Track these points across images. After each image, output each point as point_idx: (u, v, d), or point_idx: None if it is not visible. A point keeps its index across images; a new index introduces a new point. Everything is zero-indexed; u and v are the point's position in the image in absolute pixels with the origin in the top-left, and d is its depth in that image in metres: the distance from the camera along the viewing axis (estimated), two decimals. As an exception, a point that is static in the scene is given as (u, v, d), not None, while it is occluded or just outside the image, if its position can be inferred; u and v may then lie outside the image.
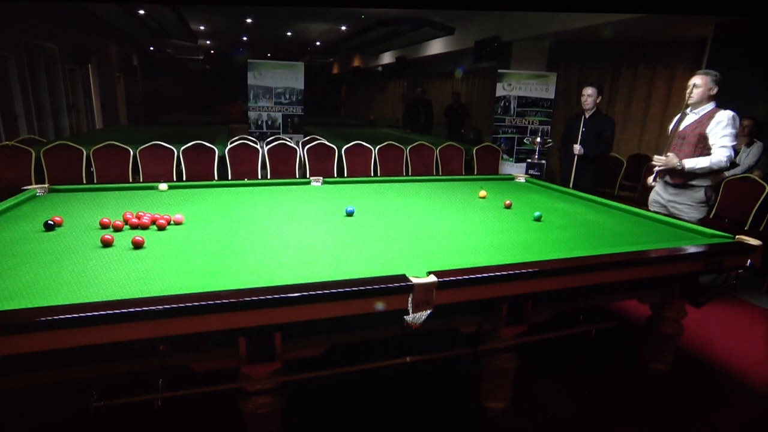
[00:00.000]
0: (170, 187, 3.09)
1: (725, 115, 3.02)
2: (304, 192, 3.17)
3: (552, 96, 6.98)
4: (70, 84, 10.24)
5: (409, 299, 1.57)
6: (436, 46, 10.70)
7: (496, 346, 1.97)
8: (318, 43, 14.63)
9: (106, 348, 1.33)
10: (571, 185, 4.27)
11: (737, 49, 5.09)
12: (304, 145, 5.39)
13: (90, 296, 1.39)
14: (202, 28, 12.64)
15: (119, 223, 2.14)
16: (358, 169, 5.23)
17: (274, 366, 1.63)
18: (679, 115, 3.36)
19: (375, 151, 5.36)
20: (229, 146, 4.99)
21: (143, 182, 4.12)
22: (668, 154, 3.18)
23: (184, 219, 2.29)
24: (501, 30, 7.74)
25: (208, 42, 16.07)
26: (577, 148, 4.42)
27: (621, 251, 2.02)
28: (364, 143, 5.38)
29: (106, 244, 1.89)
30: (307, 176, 4.58)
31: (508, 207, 2.87)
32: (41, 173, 4.40)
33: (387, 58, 13.90)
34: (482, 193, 3.19)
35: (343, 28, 11.36)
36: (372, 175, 5.16)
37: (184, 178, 4.62)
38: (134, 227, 2.16)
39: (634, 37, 6.79)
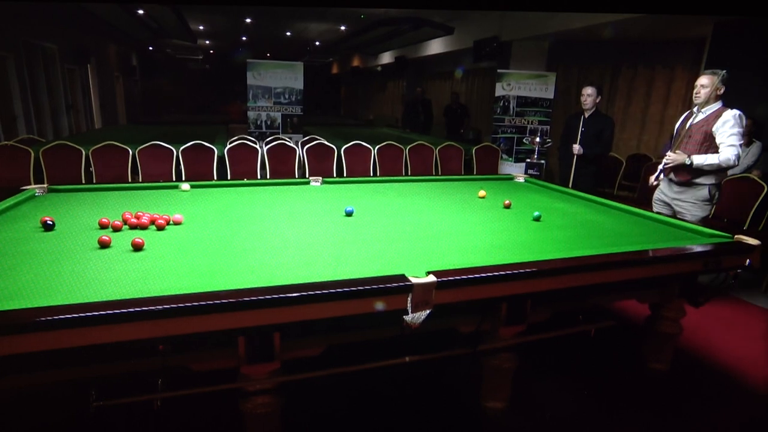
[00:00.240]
0: (192, 187, 3.11)
1: (732, 115, 3.04)
2: (303, 192, 3.16)
3: (551, 96, 6.98)
4: (69, 84, 10.23)
5: (409, 299, 1.58)
6: (435, 46, 10.70)
7: (496, 345, 1.97)
8: (317, 43, 14.62)
9: (106, 348, 1.34)
10: (570, 185, 4.27)
11: (736, 49, 5.10)
12: (303, 145, 5.39)
13: (89, 296, 1.39)
14: (201, 28, 12.64)
15: (118, 223, 2.14)
16: (357, 169, 5.23)
17: (273, 366, 1.63)
18: (686, 114, 3.37)
19: (374, 151, 5.36)
20: (228, 146, 4.99)
21: (142, 182, 4.12)
22: (677, 151, 3.20)
23: (184, 219, 2.29)
24: (500, 30, 7.74)
25: (207, 42, 16.07)
26: (576, 147, 4.42)
27: (620, 251, 2.02)
28: (363, 143, 5.38)
29: (104, 245, 1.88)
30: (307, 176, 4.59)
31: (508, 207, 2.87)
32: (40, 173, 4.39)
33: (386, 58, 13.90)
34: (481, 193, 3.19)
35: (343, 28, 11.36)
36: (371, 175, 5.16)
37: (183, 178, 4.62)
38: (133, 227, 2.16)
39: (634, 37, 6.80)
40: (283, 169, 5.02)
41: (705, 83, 3.10)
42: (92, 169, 4.56)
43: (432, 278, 1.61)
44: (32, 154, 4.42)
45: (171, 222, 2.25)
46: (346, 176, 4.91)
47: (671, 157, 3.21)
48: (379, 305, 1.55)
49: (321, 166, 5.14)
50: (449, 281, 1.63)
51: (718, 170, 3.15)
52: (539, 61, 7.69)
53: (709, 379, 2.62)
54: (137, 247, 1.86)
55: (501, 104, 7.00)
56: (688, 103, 3.37)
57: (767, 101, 4.69)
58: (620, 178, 5.90)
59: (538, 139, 5.86)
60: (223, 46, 16.58)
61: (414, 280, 1.58)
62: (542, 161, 6.01)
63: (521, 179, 3.90)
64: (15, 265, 1.66)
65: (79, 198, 2.74)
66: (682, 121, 3.36)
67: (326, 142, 5.43)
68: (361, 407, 2.25)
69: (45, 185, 2.85)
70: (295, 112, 6.97)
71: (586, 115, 4.45)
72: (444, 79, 12.35)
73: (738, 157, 3.06)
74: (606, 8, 4.56)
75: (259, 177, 4.93)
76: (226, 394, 1.68)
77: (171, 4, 8.03)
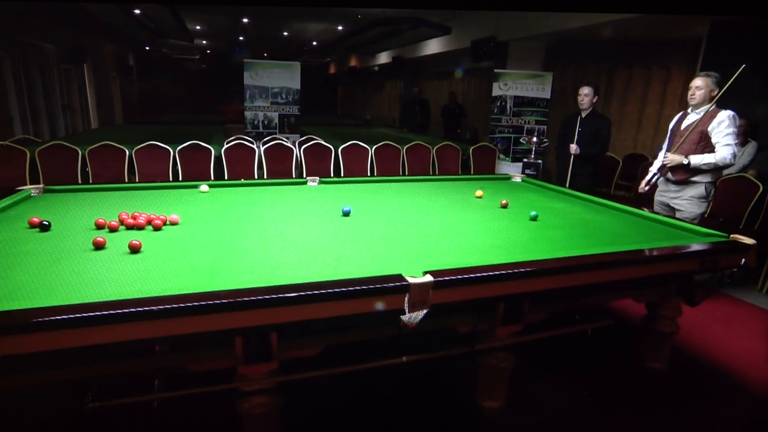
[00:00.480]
0: (211, 187, 3.11)
1: (726, 115, 3.14)
2: (300, 192, 3.16)
3: (548, 96, 6.99)
4: (66, 84, 10.19)
5: (406, 299, 1.58)
6: (432, 46, 10.70)
7: (493, 345, 1.97)
8: (314, 43, 14.61)
9: (105, 348, 1.33)
10: (567, 185, 4.28)
11: (732, 49, 5.11)
12: (300, 145, 5.39)
13: (86, 297, 1.39)
14: (198, 27, 12.60)
15: (115, 223, 2.13)
16: (354, 169, 5.23)
17: (271, 366, 1.63)
18: (679, 114, 3.44)
19: (372, 151, 5.35)
20: (225, 146, 4.98)
21: (139, 182, 4.11)
22: (674, 152, 3.29)
23: (180, 219, 2.29)
24: (497, 30, 7.75)
25: (204, 42, 16.02)
26: (573, 147, 4.43)
27: (617, 250, 2.03)
28: (360, 143, 5.38)
29: (98, 246, 1.86)
30: (304, 176, 4.58)
31: (505, 207, 2.87)
32: (36, 173, 4.37)
33: (383, 57, 13.90)
34: (479, 192, 3.19)
35: (340, 28, 11.35)
36: (369, 175, 5.16)
37: (180, 179, 4.61)
38: (130, 228, 2.15)
39: (631, 38, 6.81)
40: (280, 169, 5.01)
41: (700, 85, 3.21)
42: (89, 169, 4.54)
43: (429, 278, 1.61)
44: (28, 155, 4.40)
45: (168, 222, 2.25)
46: (344, 176, 4.91)
47: (669, 158, 3.29)
48: (377, 305, 1.55)
49: (318, 166, 5.14)
50: (446, 281, 1.63)
51: (715, 169, 3.23)
52: (536, 61, 7.70)
53: (706, 378, 2.63)
54: (134, 250, 1.84)
55: (498, 104, 7.01)
56: (684, 103, 3.40)
57: (763, 101, 4.71)
58: (617, 178, 5.92)
59: (535, 139, 5.87)
60: (220, 46, 16.54)
61: (411, 280, 1.58)
62: (539, 161, 6.02)
63: (518, 179, 3.91)
64: (11, 266, 1.65)
65: (75, 198, 2.73)
66: (677, 122, 3.45)
67: (323, 142, 5.43)
68: (359, 407, 2.24)
69: (41, 185, 2.83)
70: (292, 112, 6.96)
71: (583, 115, 4.46)
72: (441, 79, 12.35)
73: (734, 155, 3.14)
74: (604, 8, 4.57)
75: (256, 177, 4.92)
76: (224, 395, 1.68)
77: (169, 3, 8.00)
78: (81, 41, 10.67)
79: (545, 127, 7.05)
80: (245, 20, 10.99)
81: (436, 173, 5.55)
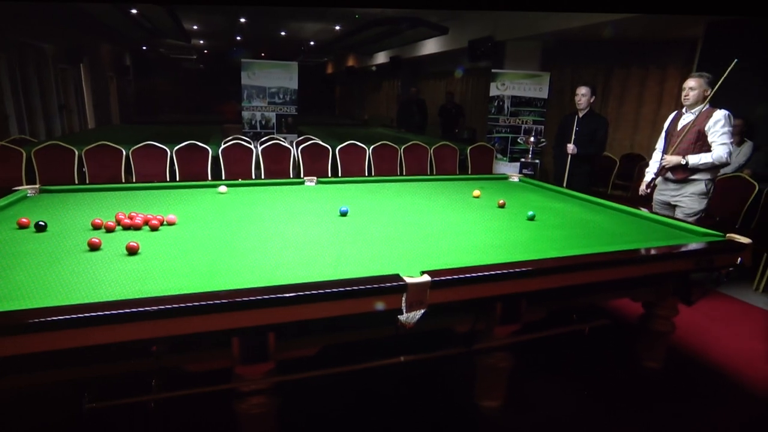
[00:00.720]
0: (229, 188, 3.11)
1: (722, 114, 3.20)
2: (298, 192, 3.16)
3: (545, 96, 7.01)
4: (62, 84, 10.15)
5: (403, 299, 1.58)
6: (430, 46, 10.71)
7: (490, 345, 1.98)
8: (312, 43, 14.59)
9: (105, 348, 1.33)
10: (564, 184, 4.29)
11: (728, 49, 5.11)
12: (298, 144, 5.38)
13: (86, 297, 1.38)
14: (195, 27, 12.57)
15: (111, 223, 2.12)
16: (352, 169, 5.23)
17: (268, 366, 1.63)
18: (674, 114, 3.48)
19: (369, 151, 5.35)
20: (222, 146, 4.97)
21: (136, 182, 4.10)
22: (671, 152, 3.34)
23: (177, 219, 2.28)
24: (495, 30, 7.76)
25: (201, 41, 15.99)
26: (570, 147, 4.44)
27: (614, 250, 2.03)
28: (358, 143, 5.38)
29: (94, 247, 1.84)
30: (301, 176, 4.57)
31: (502, 206, 2.87)
32: (32, 174, 4.36)
33: (381, 57, 13.89)
34: (476, 192, 3.19)
35: (338, 27, 11.35)
36: (366, 175, 5.16)
37: (178, 179, 4.60)
38: (126, 228, 2.15)
39: (628, 38, 6.83)
40: (277, 169, 5.01)
41: (693, 85, 3.25)
42: (85, 169, 4.53)
43: (426, 278, 1.61)
44: (24, 155, 4.39)
45: (165, 222, 2.24)
46: (341, 176, 4.90)
47: (667, 159, 3.34)
48: (374, 305, 1.55)
49: (316, 166, 5.13)
50: (443, 281, 1.63)
51: (712, 168, 3.28)
52: (533, 61, 7.71)
53: (702, 377, 2.64)
54: (132, 252, 1.82)
55: (495, 104, 7.02)
56: (680, 103, 3.43)
57: (759, 101, 4.72)
58: (614, 178, 5.94)
59: (532, 139, 5.88)
60: (217, 46, 16.51)
61: (408, 280, 1.58)
62: (537, 161, 6.03)
63: (516, 179, 3.91)
64: (8, 266, 1.65)
65: (71, 199, 2.72)
66: (672, 122, 3.48)
67: (321, 142, 5.42)
68: (357, 407, 2.24)
69: (37, 186, 2.82)
70: (289, 112, 6.96)
71: (580, 115, 4.47)
72: (439, 78, 12.36)
73: (730, 154, 3.19)
74: (604, 8, 4.57)
75: (253, 177, 4.92)
76: (222, 395, 1.68)
77: (166, 4, 7.98)
78: (78, 41, 10.63)
79: (542, 127, 7.07)
80: (242, 20, 10.97)
81: (434, 173, 5.55)
